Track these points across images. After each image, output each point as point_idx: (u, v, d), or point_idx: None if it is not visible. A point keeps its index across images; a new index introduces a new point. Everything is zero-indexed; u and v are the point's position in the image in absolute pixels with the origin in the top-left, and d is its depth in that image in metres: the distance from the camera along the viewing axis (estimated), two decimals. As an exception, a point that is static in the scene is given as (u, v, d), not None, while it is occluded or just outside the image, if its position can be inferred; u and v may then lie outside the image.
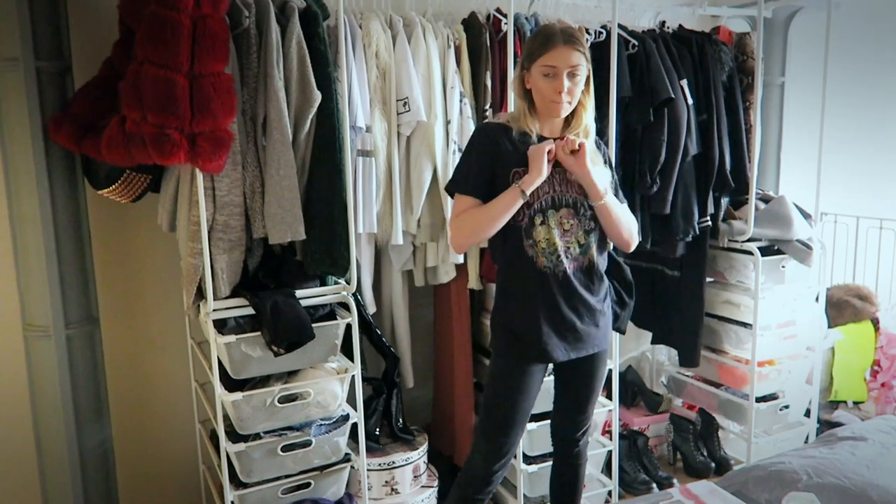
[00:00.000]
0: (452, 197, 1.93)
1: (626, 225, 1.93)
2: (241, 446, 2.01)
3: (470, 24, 2.44)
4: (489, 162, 1.85)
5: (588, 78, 1.84)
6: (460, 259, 2.44)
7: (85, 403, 2.18)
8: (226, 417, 2.05)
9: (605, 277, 1.97)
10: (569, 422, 2.07)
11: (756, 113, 2.73)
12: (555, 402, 2.11)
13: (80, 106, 2.02)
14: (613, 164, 2.07)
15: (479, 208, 1.85)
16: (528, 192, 1.80)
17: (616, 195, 1.97)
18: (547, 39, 1.78)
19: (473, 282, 2.50)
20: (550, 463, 2.20)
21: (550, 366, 2.14)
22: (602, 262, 1.94)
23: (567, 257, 1.86)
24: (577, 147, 1.81)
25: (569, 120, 1.89)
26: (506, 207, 1.82)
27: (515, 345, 1.92)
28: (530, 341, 1.89)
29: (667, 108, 2.50)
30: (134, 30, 1.83)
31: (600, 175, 1.87)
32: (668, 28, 2.73)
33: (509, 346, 1.93)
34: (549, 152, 1.80)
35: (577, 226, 1.87)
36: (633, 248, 1.99)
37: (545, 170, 1.80)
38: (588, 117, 1.88)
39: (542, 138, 1.87)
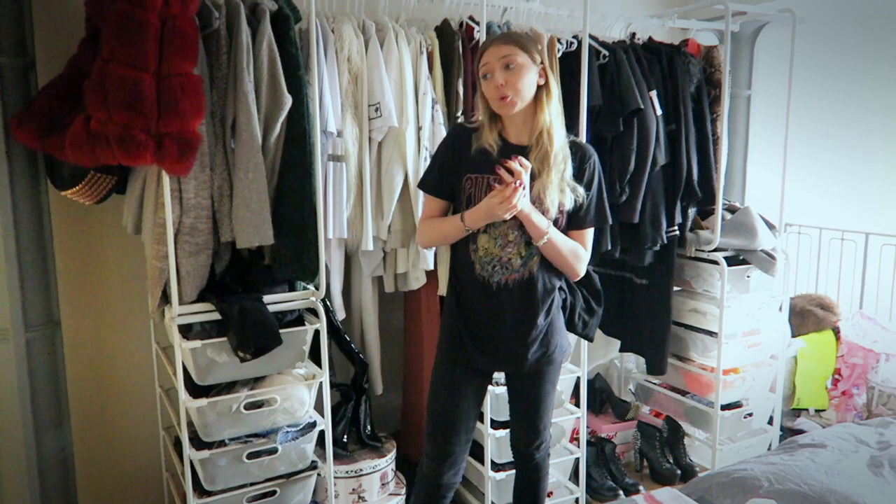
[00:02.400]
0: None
1: (567, 260, 1.84)
2: (206, 453, 1.98)
3: (443, 30, 2.45)
4: (449, 165, 1.87)
5: (547, 80, 1.78)
6: (431, 265, 2.44)
7: (44, 408, 2.13)
8: (190, 424, 2.01)
9: (554, 291, 1.90)
10: (520, 436, 2.07)
11: (723, 124, 2.77)
12: (509, 414, 2.11)
13: (43, 103, 1.97)
14: (596, 181, 1.89)
15: (435, 222, 1.89)
16: (471, 228, 1.80)
17: (587, 214, 1.87)
18: (484, 44, 1.82)
19: (444, 288, 2.50)
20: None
21: (501, 375, 2.14)
22: (544, 276, 1.86)
23: (506, 269, 1.83)
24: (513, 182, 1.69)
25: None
26: (451, 233, 1.85)
27: (448, 347, 1.94)
28: (456, 346, 1.92)
29: (636, 119, 2.53)
30: (101, 27, 1.80)
31: (553, 198, 1.78)
32: (638, 39, 2.77)
33: (444, 348, 1.96)
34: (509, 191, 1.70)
35: (520, 237, 1.82)
36: (578, 276, 1.90)
37: (498, 216, 1.73)
38: (544, 118, 1.78)
39: (507, 144, 1.83)
